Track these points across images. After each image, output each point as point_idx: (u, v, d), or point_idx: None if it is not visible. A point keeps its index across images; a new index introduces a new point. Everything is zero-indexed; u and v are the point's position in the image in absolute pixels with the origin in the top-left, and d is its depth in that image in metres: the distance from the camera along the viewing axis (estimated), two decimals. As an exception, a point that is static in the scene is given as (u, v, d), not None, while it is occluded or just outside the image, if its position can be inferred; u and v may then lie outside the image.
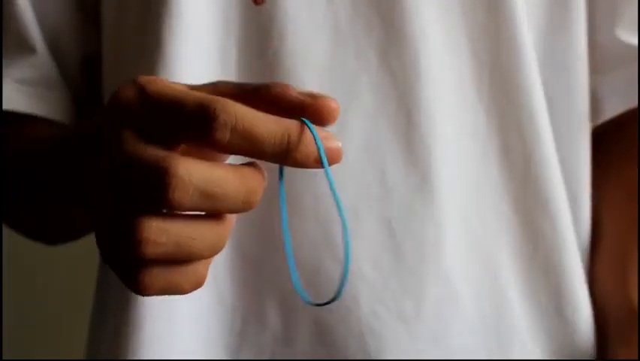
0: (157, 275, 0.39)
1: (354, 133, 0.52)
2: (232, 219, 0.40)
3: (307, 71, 0.52)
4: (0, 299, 1.15)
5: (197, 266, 0.40)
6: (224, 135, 0.37)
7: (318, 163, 0.39)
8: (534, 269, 0.55)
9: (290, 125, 0.38)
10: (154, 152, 0.37)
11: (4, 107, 0.60)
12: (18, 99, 0.60)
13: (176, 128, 0.37)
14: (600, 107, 0.60)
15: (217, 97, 0.37)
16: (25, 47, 0.61)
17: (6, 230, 0.65)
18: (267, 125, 0.38)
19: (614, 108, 0.60)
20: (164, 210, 0.38)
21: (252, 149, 0.38)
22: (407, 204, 0.52)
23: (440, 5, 0.53)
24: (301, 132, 0.38)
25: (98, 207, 0.39)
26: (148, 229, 0.37)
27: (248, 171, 0.38)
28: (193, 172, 0.37)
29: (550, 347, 0.55)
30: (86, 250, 0.63)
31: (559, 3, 0.57)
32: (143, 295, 0.40)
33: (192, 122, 0.37)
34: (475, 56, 0.54)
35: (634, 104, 0.59)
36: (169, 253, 0.38)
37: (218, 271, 0.54)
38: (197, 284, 0.40)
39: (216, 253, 0.39)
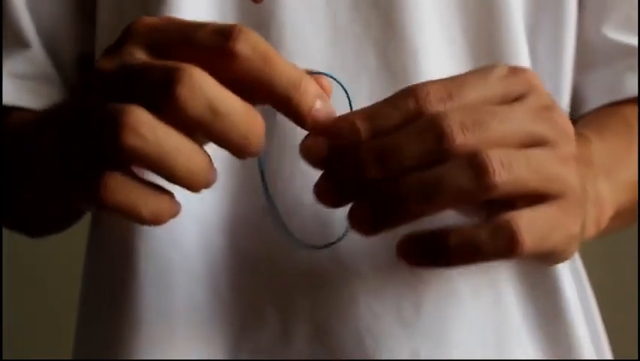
0: (122, 182, 0.38)
1: None
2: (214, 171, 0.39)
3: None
4: (0, 299, 1.15)
5: (165, 198, 0.39)
6: (246, 48, 0.37)
7: (313, 122, 0.39)
8: (529, 268, 0.55)
9: (305, 74, 0.39)
10: (168, 61, 0.38)
11: (3, 101, 0.59)
12: (18, 94, 0.60)
13: (198, 38, 0.38)
14: (583, 102, 0.60)
15: None
16: (20, 41, 0.61)
17: (6, 230, 0.65)
18: (284, 61, 0.38)
19: (597, 101, 0.60)
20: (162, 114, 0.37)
21: (266, 74, 0.38)
22: None
23: (439, 5, 0.53)
24: (312, 85, 0.39)
25: (80, 104, 0.39)
26: (136, 116, 0.36)
27: (256, 113, 0.38)
28: (206, 82, 0.37)
29: (550, 348, 0.55)
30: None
31: (549, 1, 0.57)
32: (96, 202, 0.38)
33: (217, 33, 0.38)
34: (473, 54, 0.54)
35: (618, 97, 0.59)
36: (147, 152, 0.36)
37: (216, 269, 0.53)
38: (157, 218, 0.39)
39: (192, 182, 0.38)
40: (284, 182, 0.52)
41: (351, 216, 0.41)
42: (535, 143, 0.41)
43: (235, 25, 0.38)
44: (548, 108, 0.43)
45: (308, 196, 0.52)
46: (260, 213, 0.53)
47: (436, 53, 0.53)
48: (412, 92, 0.40)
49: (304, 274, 0.53)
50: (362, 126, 0.40)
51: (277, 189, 0.52)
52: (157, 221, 0.39)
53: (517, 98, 0.42)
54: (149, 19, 0.40)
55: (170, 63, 0.37)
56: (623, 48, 0.60)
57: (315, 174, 0.52)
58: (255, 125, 0.38)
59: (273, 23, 0.52)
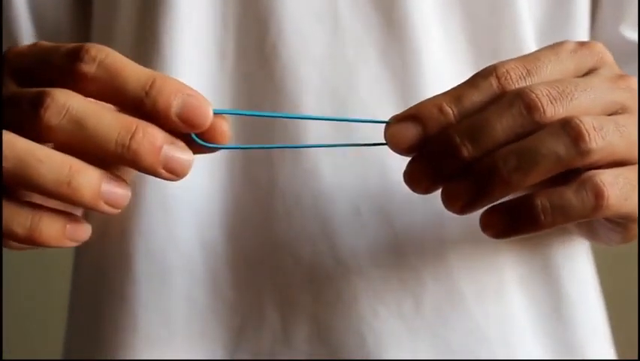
0: None
1: (353, 127, 0.52)
2: (95, 174, 0.38)
3: (306, 64, 0.52)
4: (0, 299, 1.15)
5: (38, 213, 0.39)
6: (91, 67, 0.38)
7: (179, 119, 0.38)
8: (534, 268, 0.55)
9: (157, 73, 0.39)
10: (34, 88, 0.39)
11: None
12: None
13: (52, 62, 0.39)
14: None
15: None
16: (13, 44, 0.61)
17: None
18: (134, 67, 0.39)
19: None
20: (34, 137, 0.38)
21: (116, 86, 0.38)
22: (408, 199, 0.52)
23: (440, 2, 0.53)
24: (168, 83, 0.38)
25: None
26: None
27: (130, 117, 0.38)
28: (70, 98, 0.38)
29: (552, 347, 0.55)
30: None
31: (560, 0, 0.57)
32: None
33: (67, 56, 0.39)
34: (476, 50, 0.54)
35: None
36: (9, 171, 0.37)
37: (217, 268, 0.53)
38: (31, 234, 0.39)
39: (62, 194, 0.38)
40: (284, 181, 0.52)
41: (446, 193, 0.41)
42: (616, 111, 0.42)
43: (82, 45, 0.39)
44: (623, 77, 0.43)
45: (308, 195, 0.53)
46: (263, 213, 0.53)
47: (437, 51, 0.53)
48: (491, 72, 0.41)
49: (305, 272, 0.52)
50: (450, 108, 0.40)
51: (278, 189, 0.52)
52: (30, 239, 0.39)
53: (590, 71, 0.43)
54: (18, 48, 0.42)
55: (34, 90, 0.38)
56: (636, 47, 0.60)
57: (315, 173, 0.52)
58: (129, 126, 0.38)
59: (272, 18, 0.52)
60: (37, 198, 0.40)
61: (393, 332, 0.52)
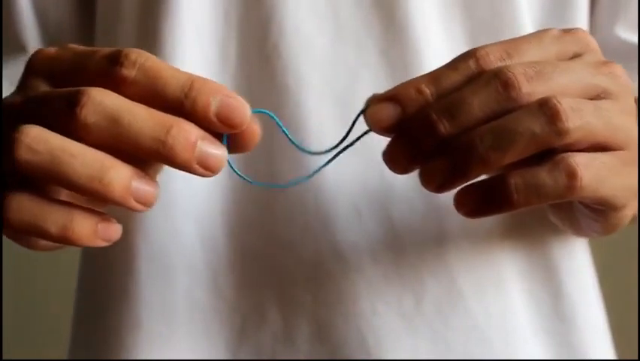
0: (24, 202, 0.38)
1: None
2: (126, 169, 0.38)
3: (307, 65, 0.53)
4: (0, 299, 1.15)
5: (71, 211, 0.39)
6: (131, 72, 0.38)
7: (217, 119, 0.39)
8: (534, 267, 0.55)
9: (195, 75, 0.39)
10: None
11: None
12: None
13: (89, 66, 0.39)
14: None
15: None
16: (17, 46, 0.61)
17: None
18: (173, 70, 0.39)
19: None
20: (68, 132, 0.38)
21: (156, 88, 0.38)
22: (408, 199, 0.53)
23: (441, 3, 0.54)
24: (206, 84, 0.39)
25: None
26: (27, 133, 0.37)
27: (164, 114, 0.38)
28: (106, 97, 0.38)
29: (552, 346, 0.55)
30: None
31: (560, 2, 0.57)
32: (2, 229, 0.38)
33: (105, 60, 0.39)
34: None
35: None
36: (42, 166, 0.37)
37: (218, 267, 0.54)
38: (65, 232, 0.38)
39: (94, 190, 0.38)
40: (286, 180, 0.52)
41: (423, 172, 0.41)
42: (597, 95, 0.42)
43: (121, 50, 0.39)
44: (607, 63, 0.43)
45: (309, 194, 0.53)
46: (264, 213, 0.53)
47: (438, 51, 0.53)
48: (471, 54, 0.41)
49: (305, 271, 0.53)
50: (428, 88, 0.40)
51: (279, 188, 0.52)
52: (66, 238, 0.39)
53: (574, 57, 0.43)
54: (47, 51, 0.42)
55: (70, 89, 0.38)
56: (635, 48, 0.60)
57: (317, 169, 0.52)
58: (165, 122, 0.38)
59: (274, 19, 0.53)
60: (65, 196, 0.40)
61: (393, 330, 0.52)
